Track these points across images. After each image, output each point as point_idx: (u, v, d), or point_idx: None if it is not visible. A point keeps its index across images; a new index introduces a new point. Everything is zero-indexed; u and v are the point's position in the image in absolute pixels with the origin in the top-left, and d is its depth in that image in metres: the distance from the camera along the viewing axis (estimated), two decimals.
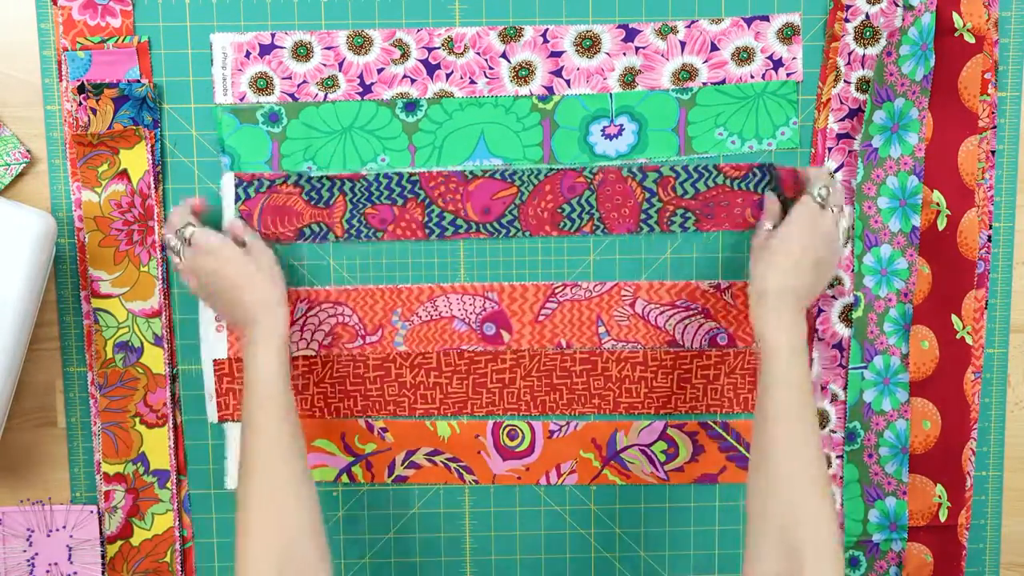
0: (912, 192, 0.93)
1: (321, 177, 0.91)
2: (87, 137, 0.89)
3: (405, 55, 0.91)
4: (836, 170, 0.93)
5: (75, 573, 0.95)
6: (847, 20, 0.91)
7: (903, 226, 0.93)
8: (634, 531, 0.98)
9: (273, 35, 0.90)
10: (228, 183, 0.91)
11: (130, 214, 0.91)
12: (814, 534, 0.75)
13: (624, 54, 0.91)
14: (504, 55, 0.91)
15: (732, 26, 0.91)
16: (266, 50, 0.90)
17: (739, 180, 0.92)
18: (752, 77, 0.92)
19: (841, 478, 0.96)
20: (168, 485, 0.94)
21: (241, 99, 0.90)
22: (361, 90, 0.90)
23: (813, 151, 0.94)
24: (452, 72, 0.91)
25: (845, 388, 0.95)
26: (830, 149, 0.93)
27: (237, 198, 0.91)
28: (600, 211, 0.93)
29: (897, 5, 0.90)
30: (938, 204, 0.93)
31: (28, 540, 0.95)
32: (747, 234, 0.93)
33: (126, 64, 0.89)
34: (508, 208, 0.92)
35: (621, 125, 0.92)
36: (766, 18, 0.91)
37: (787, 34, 0.92)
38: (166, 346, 0.93)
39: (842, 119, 0.92)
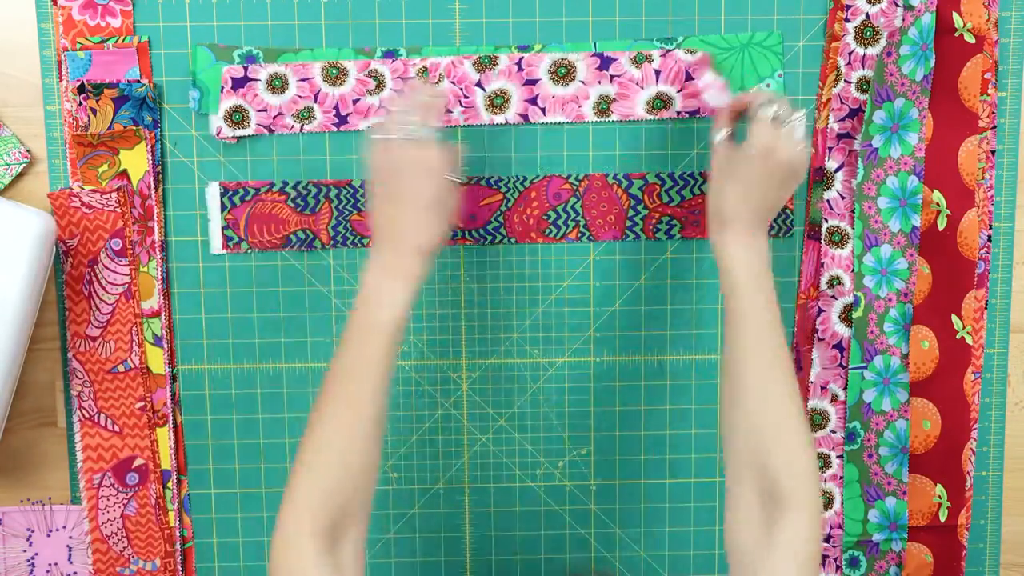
0: (912, 192, 0.93)
1: (307, 184, 0.91)
2: (87, 137, 0.89)
3: (380, 85, 0.91)
4: (836, 170, 0.93)
5: (75, 573, 0.95)
6: (847, 20, 0.91)
7: (903, 226, 0.93)
8: (634, 531, 0.98)
9: (246, 68, 0.90)
10: (214, 192, 0.91)
11: (130, 214, 0.91)
12: (791, 466, 0.75)
13: (599, 82, 0.91)
14: (479, 83, 0.91)
15: (707, 58, 0.91)
16: (240, 83, 0.90)
17: None
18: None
19: (841, 478, 0.96)
20: (168, 485, 0.94)
21: (217, 134, 0.90)
22: (337, 120, 0.91)
23: (813, 151, 0.94)
24: None
25: (845, 388, 0.95)
26: (830, 149, 0.93)
27: (223, 207, 0.91)
28: (586, 218, 0.93)
29: (897, 5, 0.90)
30: (938, 204, 0.93)
31: (28, 540, 0.95)
32: None
33: (126, 64, 0.89)
34: (494, 215, 0.92)
35: None
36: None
37: None
38: (166, 346, 0.93)
39: (842, 119, 0.92)
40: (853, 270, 0.93)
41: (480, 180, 0.92)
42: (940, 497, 0.96)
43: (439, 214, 0.78)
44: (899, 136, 0.92)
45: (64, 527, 0.95)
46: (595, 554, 0.98)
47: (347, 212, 0.92)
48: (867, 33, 0.91)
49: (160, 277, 0.92)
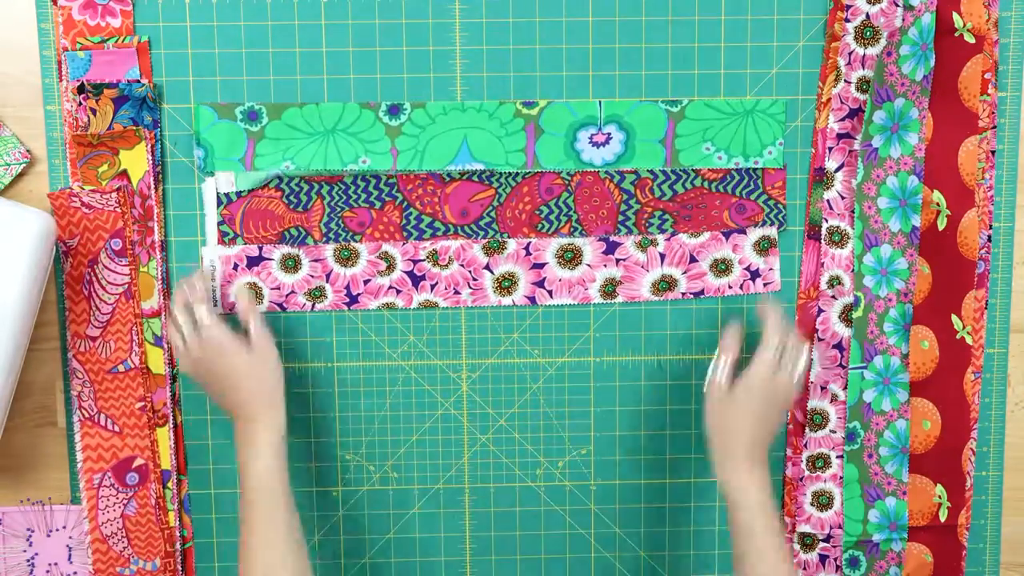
0: (912, 192, 0.93)
1: (299, 180, 0.91)
2: (87, 137, 0.89)
3: (391, 267, 0.92)
4: (836, 170, 0.93)
5: (75, 573, 0.95)
6: (847, 20, 0.91)
7: (903, 226, 0.93)
8: (634, 531, 0.98)
9: (261, 247, 0.91)
10: (210, 188, 0.91)
11: (130, 214, 0.91)
12: None
13: (605, 265, 0.93)
14: (488, 267, 0.92)
15: (711, 240, 0.93)
16: (254, 262, 0.92)
17: (717, 182, 0.92)
18: (730, 288, 0.94)
19: (841, 478, 0.96)
20: (168, 485, 0.94)
21: (230, 310, 0.92)
22: (348, 300, 0.93)
23: (813, 151, 0.94)
24: (437, 283, 0.93)
25: (845, 388, 0.95)
26: (830, 149, 0.93)
27: (219, 202, 0.91)
28: (578, 212, 0.93)
29: (897, 5, 0.90)
30: (938, 204, 0.93)
31: (28, 540, 0.95)
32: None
33: (126, 64, 0.89)
34: (486, 210, 0.92)
35: (609, 133, 0.92)
36: (743, 231, 0.93)
37: (763, 247, 0.94)
38: (166, 346, 0.93)
39: (842, 119, 0.92)
40: (853, 270, 0.93)
41: (473, 176, 0.92)
42: (940, 497, 0.96)
43: (263, 366, 0.86)
44: (899, 136, 0.92)
45: (64, 527, 0.95)
46: (595, 554, 0.98)
47: (339, 208, 0.92)
48: (867, 33, 0.91)
49: (160, 277, 0.92)
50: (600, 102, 0.91)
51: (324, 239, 0.92)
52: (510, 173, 0.92)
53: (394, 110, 0.90)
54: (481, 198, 0.92)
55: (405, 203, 0.92)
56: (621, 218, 0.93)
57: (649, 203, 0.93)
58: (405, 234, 0.92)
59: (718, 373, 0.88)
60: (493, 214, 0.92)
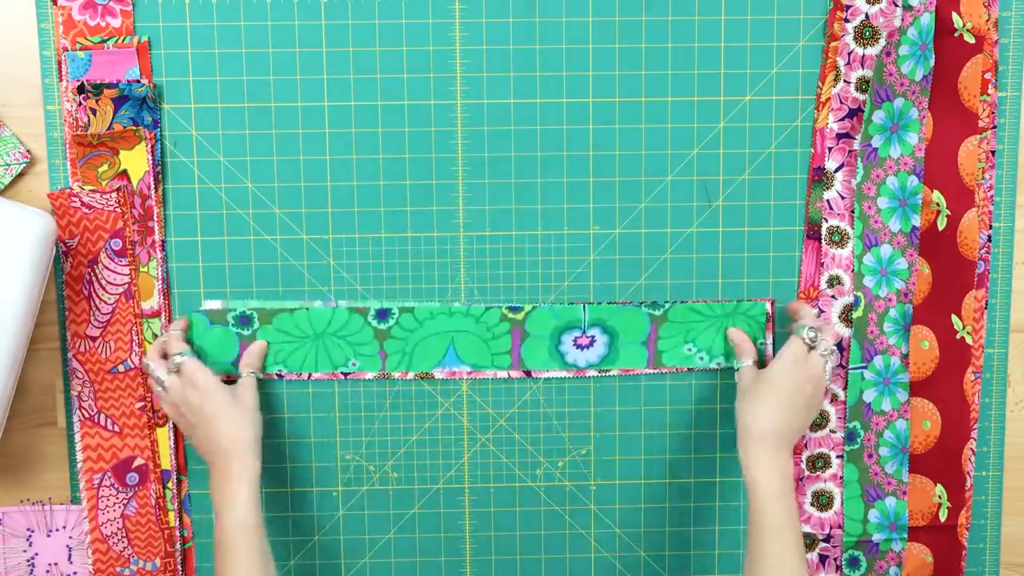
0: (912, 192, 0.93)
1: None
2: (87, 137, 0.89)
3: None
4: (836, 170, 0.93)
5: (75, 573, 0.95)
6: (847, 20, 0.91)
7: (903, 226, 0.93)
8: (634, 531, 0.98)
9: None
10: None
11: (130, 214, 0.91)
12: None
13: None
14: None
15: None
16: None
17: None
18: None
19: (841, 478, 0.96)
20: (168, 485, 0.94)
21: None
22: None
23: (813, 151, 0.94)
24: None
25: (845, 388, 0.95)
26: (830, 149, 0.93)
27: None
28: None
29: (896, 5, 0.90)
30: (938, 204, 0.93)
31: (28, 540, 0.95)
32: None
33: (126, 64, 0.89)
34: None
35: (593, 336, 0.93)
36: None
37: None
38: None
39: (842, 119, 0.92)
40: (853, 270, 0.93)
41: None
42: (940, 497, 0.96)
43: (242, 408, 0.87)
44: (899, 136, 0.92)
45: (64, 527, 0.95)
46: (595, 554, 0.98)
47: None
48: (866, 33, 0.91)
49: (160, 277, 0.92)
50: (584, 306, 0.93)
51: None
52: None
53: (382, 314, 0.93)
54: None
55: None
56: None
57: None
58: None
59: (744, 362, 0.89)
60: None
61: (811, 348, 0.87)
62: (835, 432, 0.96)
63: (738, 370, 0.91)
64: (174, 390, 0.87)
